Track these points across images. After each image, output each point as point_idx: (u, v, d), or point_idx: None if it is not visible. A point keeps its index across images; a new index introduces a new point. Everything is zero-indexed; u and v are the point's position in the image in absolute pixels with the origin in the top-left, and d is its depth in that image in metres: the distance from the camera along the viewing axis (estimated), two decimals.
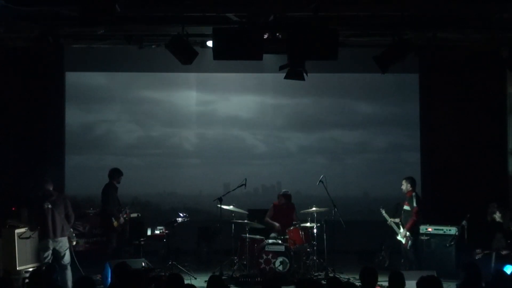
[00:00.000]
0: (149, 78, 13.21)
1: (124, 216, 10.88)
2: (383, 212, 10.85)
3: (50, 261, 9.45)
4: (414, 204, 10.55)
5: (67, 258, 9.59)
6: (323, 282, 9.12)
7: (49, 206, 9.57)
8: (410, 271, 9.64)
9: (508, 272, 8.93)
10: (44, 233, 9.62)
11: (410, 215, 10.64)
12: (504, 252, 9.89)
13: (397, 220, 10.79)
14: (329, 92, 13.26)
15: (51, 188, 9.73)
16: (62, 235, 9.59)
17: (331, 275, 10.38)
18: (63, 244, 9.58)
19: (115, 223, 10.63)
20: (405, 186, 10.72)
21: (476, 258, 9.93)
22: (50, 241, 9.55)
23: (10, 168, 12.41)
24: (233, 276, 10.52)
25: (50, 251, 9.56)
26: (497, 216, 10.22)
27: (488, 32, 9.96)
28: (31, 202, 9.94)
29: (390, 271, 7.06)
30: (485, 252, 9.96)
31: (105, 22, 8.46)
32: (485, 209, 10.67)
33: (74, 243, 9.87)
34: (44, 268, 9.00)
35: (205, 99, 13.31)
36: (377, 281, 6.72)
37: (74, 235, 9.91)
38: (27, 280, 8.22)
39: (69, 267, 9.56)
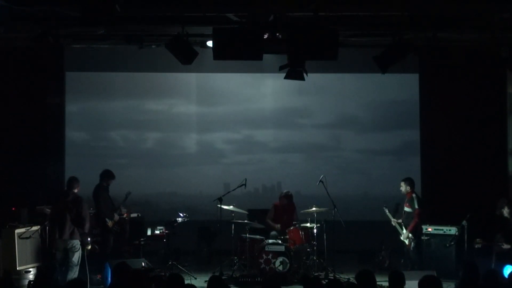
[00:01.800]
0: (149, 78, 13.21)
1: (123, 216, 10.86)
2: (387, 211, 10.86)
3: (61, 261, 9.49)
4: (416, 206, 10.58)
5: (74, 260, 9.50)
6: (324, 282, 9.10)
7: (61, 206, 9.60)
8: (410, 271, 9.65)
9: (508, 272, 8.95)
10: (51, 232, 9.72)
11: (411, 216, 10.66)
12: (505, 246, 9.89)
13: (399, 220, 10.80)
14: (329, 92, 13.25)
15: (75, 190, 9.71)
16: (72, 238, 9.50)
17: (331, 275, 10.39)
18: (73, 246, 9.51)
19: (110, 223, 10.62)
20: (403, 187, 10.76)
21: (476, 247, 9.92)
22: (58, 241, 9.57)
23: (10, 168, 12.41)
24: (233, 276, 10.52)
25: (61, 251, 9.54)
26: (506, 211, 10.20)
27: (488, 32, 9.95)
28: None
29: (390, 271, 7.06)
30: (485, 243, 9.95)
31: (105, 22, 8.48)
32: (489, 206, 10.66)
33: (89, 247, 9.78)
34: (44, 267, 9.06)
35: (205, 99, 13.30)
36: (375, 283, 6.70)
37: (88, 239, 9.74)
38: (32, 281, 8.28)
39: (74, 269, 9.46)
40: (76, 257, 9.54)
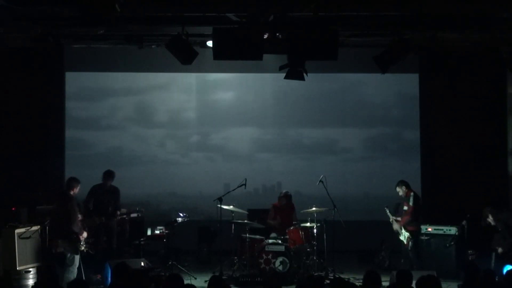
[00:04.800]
0: (149, 78, 13.21)
1: (124, 217, 10.86)
2: (387, 211, 10.85)
3: (61, 261, 9.55)
4: (410, 203, 10.55)
5: (70, 260, 9.53)
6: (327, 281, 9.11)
7: (54, 206, 9.74)
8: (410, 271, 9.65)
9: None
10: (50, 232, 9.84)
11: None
12: (499, 250, 9.94)
13: (398, 218, 10.80)
14: (328, 92, 13.24)
15: (70, 191, 9.75)
16: (62, 237, 9.58)
17: (331, 275, 10.39)
18: (66, 247, 9.55)
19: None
20: (400, 190, 10.71)
21: (470, 258, 9.94)
22: (59, 241, 9.66)
23: (10, 168, 12.41)
24: (233, 276, 10.51)
25: (63, 250, 9.62)
26: (490, 220, 10.24)
27: (488, 32, 9.96)
28: None
29: (398, 270, 7.06)
30: (478, 253, 9.98)
31: (105, 22, 8.48)
32: (490, 206, 10.66)
33: (82, 248, 9.80)
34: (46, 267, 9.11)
35: (205, 99, 13.31)
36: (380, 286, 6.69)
37: (81, 240, 9.81)
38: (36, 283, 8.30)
39: (69, 270, 9.47)
40: (71, 258, 9.56)
